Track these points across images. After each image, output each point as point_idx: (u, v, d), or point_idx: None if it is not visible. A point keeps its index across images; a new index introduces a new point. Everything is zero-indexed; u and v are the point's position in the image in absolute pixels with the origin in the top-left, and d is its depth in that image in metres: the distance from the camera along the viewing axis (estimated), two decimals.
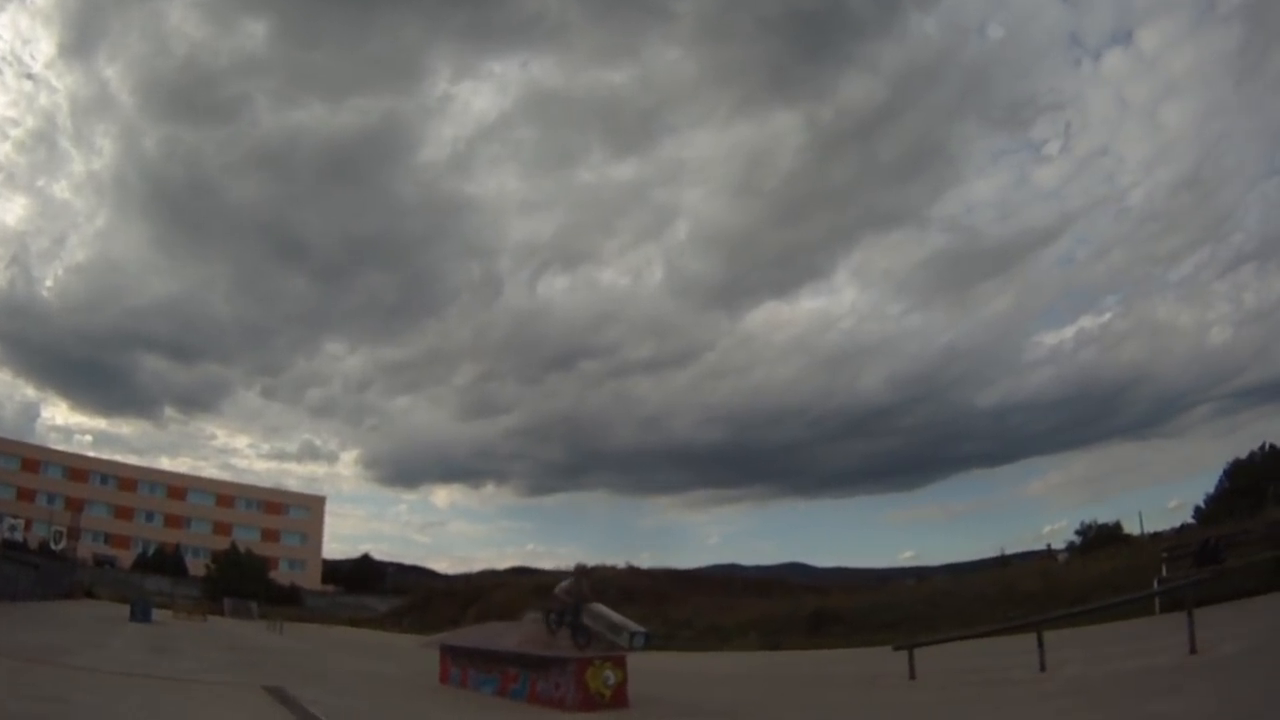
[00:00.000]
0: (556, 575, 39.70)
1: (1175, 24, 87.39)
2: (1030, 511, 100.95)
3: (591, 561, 41.59)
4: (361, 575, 78.23)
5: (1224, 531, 20.10)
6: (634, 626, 22.90)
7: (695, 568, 45.14)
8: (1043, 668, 10.87)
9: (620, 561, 39.97)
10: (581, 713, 9.68)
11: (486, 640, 13.95)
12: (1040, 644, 11.25)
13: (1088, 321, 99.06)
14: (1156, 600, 14.36)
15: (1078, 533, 36.00)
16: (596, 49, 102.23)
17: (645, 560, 46.92)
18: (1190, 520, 32.84)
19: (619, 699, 10.21)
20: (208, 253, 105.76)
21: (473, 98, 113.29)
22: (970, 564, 37.22)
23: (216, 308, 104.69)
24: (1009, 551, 36.55)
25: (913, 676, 11.84)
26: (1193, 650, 10.04)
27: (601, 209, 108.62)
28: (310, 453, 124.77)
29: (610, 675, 10.29)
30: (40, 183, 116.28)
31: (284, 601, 55.37)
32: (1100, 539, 32.09)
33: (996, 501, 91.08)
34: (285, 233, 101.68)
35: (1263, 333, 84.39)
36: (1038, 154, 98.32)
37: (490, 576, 53.18)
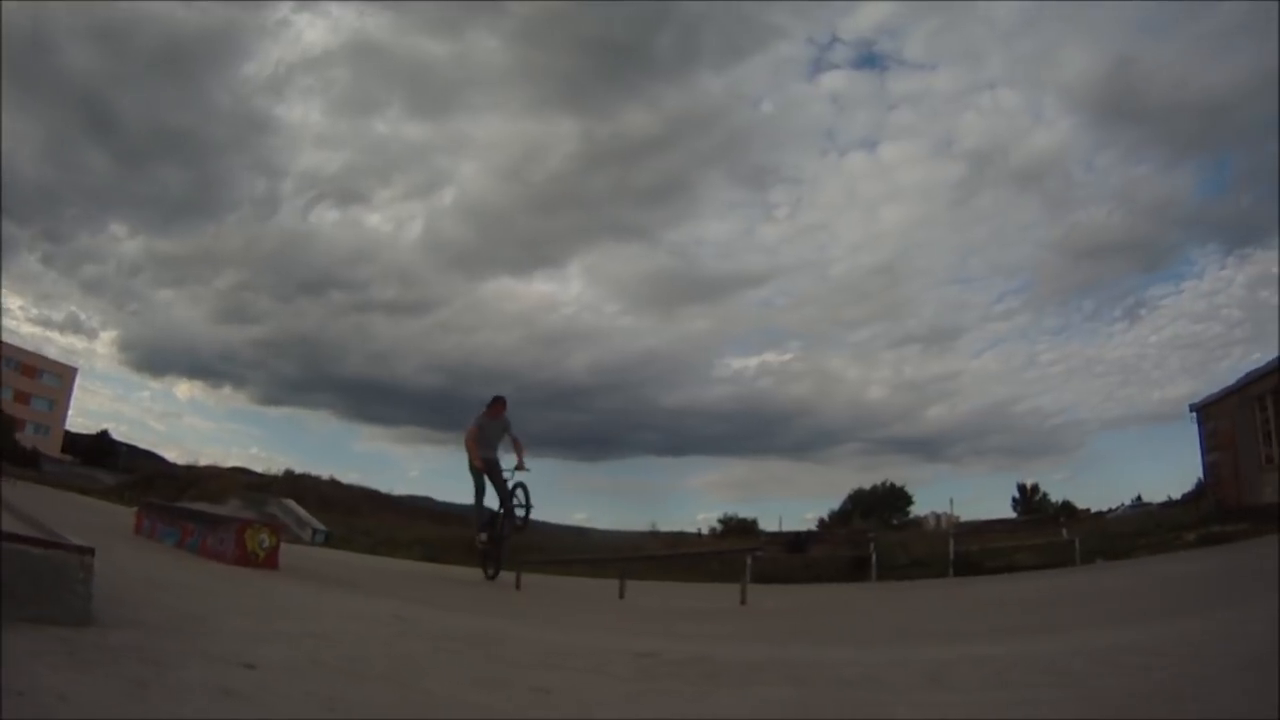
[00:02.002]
0: (269, 478, 39.48)
1: (915, 149, 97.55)
2: (689, 499, 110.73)
3: (299, 470, 42.12)
4: (98, 450, 75.67)
5: (814, 530, 23.14)
6: (317, 525, 24.17)
7: (393, 493, 46.20)
8: (621, 596, 12.58)
9: (326, 474, 40.77)
10: (237, 566, 10.48)
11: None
12: (622, 580, 13.02)
13: (771, 357, 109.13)
14: (748, 571, 16.56)
15: (720, 521, 39.39)
16: (428, 19, 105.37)
17: (350, 478, 47.96)
18: (814, 528, 36.59)
19: (271, 561, 10.89)
20: (29, 110, 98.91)
21: (307, 29, 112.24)
22: (627, 532, 39.32)
23: (21, 166, 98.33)
24: (661, 529, 39.29)
25: (519, 588, 13.33)
26: (742, 602, 11.66)
27: (385, 160, 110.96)
28: (74, 325, 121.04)
29: (265, 539, 10.99)
30: None
31: (23, 464, 52.48)
32: (739, 529, 35.30)
33: (662, 486, 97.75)
34: (103, 109, 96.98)
35: (911, 399, 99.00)
36: (768, 214, 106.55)
37: (212, 470, 52.04)
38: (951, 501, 44.31)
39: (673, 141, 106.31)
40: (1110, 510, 36.04)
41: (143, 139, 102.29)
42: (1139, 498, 38.51)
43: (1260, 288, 73.02)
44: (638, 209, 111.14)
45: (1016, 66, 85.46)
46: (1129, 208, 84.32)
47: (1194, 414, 26.87)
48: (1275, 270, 67.69)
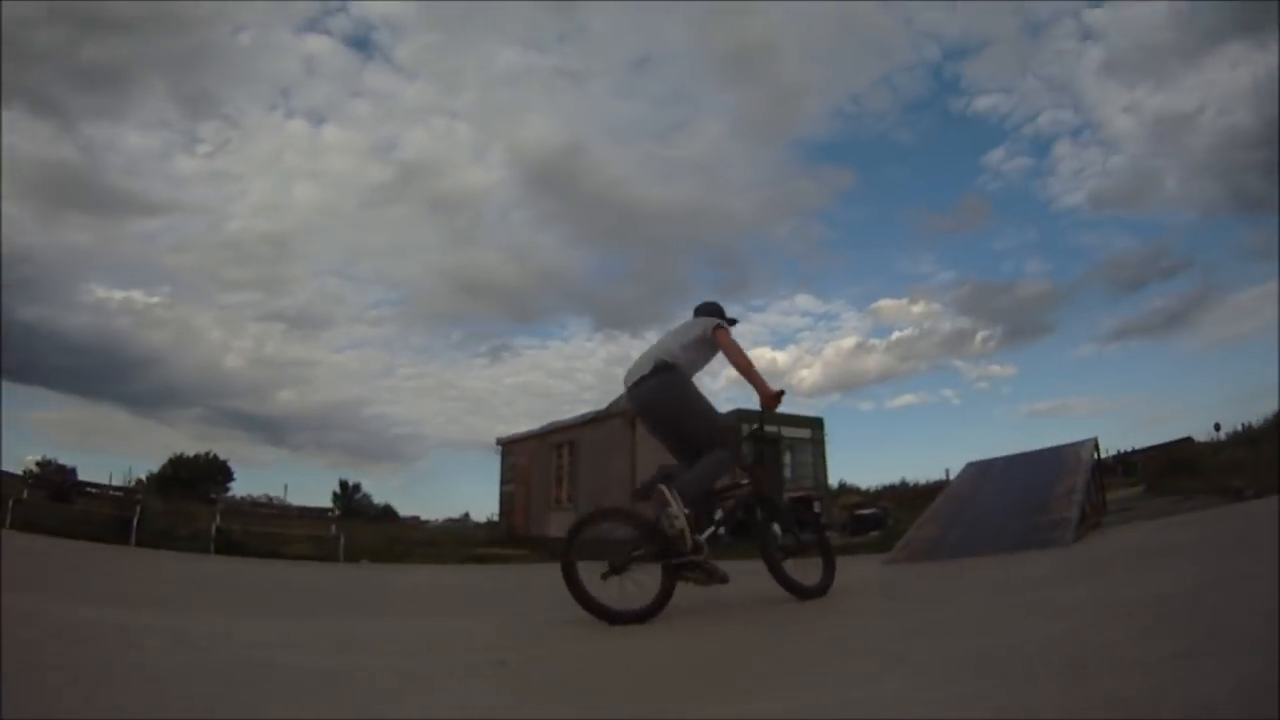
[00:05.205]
0: None
1: (357, 140, 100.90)
2: (20, 435, 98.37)
3: None
4: None
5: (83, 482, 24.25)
6: None
7: None
8: None
9: None
10: None
11: None
12: None
13: (139, 295, 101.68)
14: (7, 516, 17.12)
15: (38, 464, 37.68)
16: None
17: None
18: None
19: None
20: None
21: None
22: None
23: None
24: None
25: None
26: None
27: None
28: None
29: None
30: None
31: None
32: (55, 475, 34.27)
33: None
34: None
35: (266, 376, 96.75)
36: (191, 146, 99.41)
37: None
38: (286, 488, 46.82)
39: (139, 28, 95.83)
40: (433, 520, 41.62)
41: None
42: (466, 514, 44.47)
43: (616, 365, 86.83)
44: (69, 85, 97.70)
45: (487, 109, 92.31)
46: (523, 265, 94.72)
47: (499, 447, 32.52)
48: (634, 353, 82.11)
